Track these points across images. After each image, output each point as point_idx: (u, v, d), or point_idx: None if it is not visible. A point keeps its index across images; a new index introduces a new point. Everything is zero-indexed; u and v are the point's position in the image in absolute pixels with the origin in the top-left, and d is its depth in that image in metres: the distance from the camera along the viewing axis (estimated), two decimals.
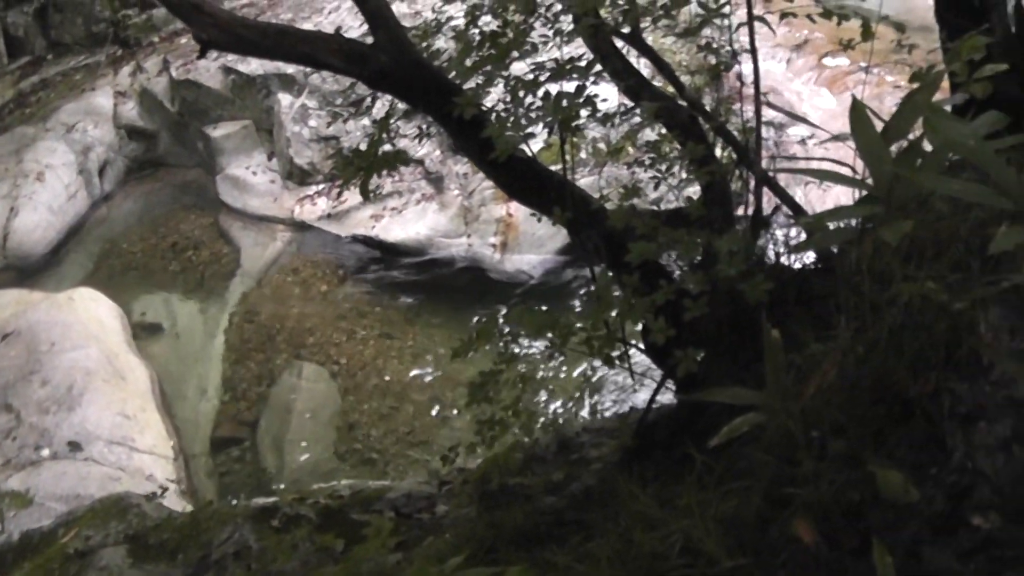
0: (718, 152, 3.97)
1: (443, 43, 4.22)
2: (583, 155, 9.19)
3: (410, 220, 10.49)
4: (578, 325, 3.30)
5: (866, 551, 1.91)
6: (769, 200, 3.90)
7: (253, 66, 12.14)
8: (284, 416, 8.72)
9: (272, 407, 8.91)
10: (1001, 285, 2.25)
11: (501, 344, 3.58)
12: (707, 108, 3.92)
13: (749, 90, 3.73)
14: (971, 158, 2.16)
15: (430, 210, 10.50)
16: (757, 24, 3.60)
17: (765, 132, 8.38)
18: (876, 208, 2.14)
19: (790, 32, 11.06)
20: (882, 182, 2.14)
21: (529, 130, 3.46)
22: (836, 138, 2.81)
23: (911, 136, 2.41)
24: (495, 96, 3.81)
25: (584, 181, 7.97)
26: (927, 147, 2.30)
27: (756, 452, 2.37)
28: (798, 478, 2.20)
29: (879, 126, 2.36)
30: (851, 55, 10.35)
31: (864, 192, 2.29)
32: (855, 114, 2.23)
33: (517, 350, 3.67)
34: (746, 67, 3.74)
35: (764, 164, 4.04)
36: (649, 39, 4.04)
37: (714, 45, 3.85)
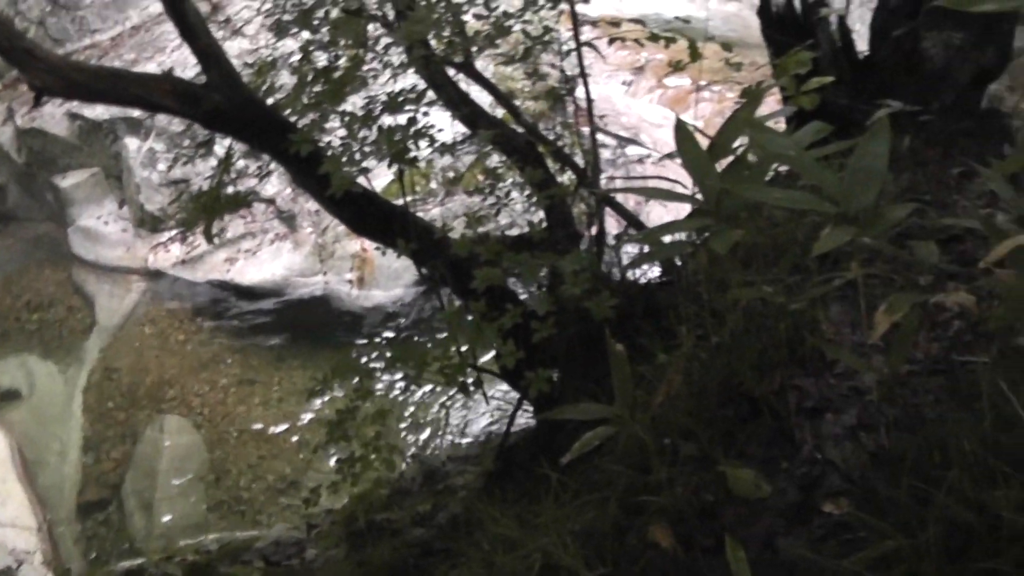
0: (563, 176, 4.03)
1: (286, 78, 4.18)
2: (433, 185, 9.21)
3: (265, 261, 10.34)
4: (432, 354, 3.30)
5: (721, 549, 1.96)
6: (618, 220, 3.99)
7: (99, 111, 11.68)
8: (150, 474, 8.43)
9: (137, 465, 8.61)
10: (834, 283, 2.35)
11: (356, 380, 3.55)
12: (544, 133, 3.98)
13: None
14: (793, 167, 2.25)
15: (284, 249, 10.36)
16: (592, 49, 3.69)
17: (607, 153, 8.51)
18: (706, 221, 2.20)
19: (630, 55, 11.31)
20: (710, 196, 2.20)
21: (369, 163, 3.45)
22: (668, 156, 2.90)
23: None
24: (335, 131, 3.79)
25: (435, 211, 7.99)
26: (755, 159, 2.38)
27: (610, 464, 2.42)
28: (652, 485, 2.25)
29: (707, 143, 2.43)
30: (692, 75, 10.66)
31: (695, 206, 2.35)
32: (679, 133, 2.29)
33: (377, 384, 3.64)
34: (585, 91, 3.82)
35: (604, 184, 4.12)
36: (489, 68, 4.08)
37: (553, 70, 3.92)
